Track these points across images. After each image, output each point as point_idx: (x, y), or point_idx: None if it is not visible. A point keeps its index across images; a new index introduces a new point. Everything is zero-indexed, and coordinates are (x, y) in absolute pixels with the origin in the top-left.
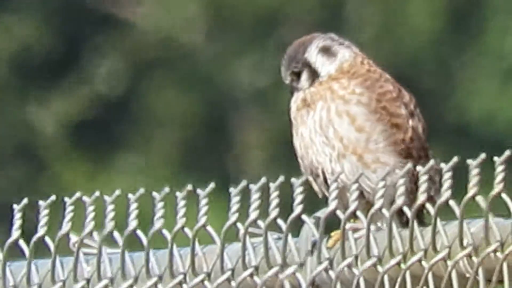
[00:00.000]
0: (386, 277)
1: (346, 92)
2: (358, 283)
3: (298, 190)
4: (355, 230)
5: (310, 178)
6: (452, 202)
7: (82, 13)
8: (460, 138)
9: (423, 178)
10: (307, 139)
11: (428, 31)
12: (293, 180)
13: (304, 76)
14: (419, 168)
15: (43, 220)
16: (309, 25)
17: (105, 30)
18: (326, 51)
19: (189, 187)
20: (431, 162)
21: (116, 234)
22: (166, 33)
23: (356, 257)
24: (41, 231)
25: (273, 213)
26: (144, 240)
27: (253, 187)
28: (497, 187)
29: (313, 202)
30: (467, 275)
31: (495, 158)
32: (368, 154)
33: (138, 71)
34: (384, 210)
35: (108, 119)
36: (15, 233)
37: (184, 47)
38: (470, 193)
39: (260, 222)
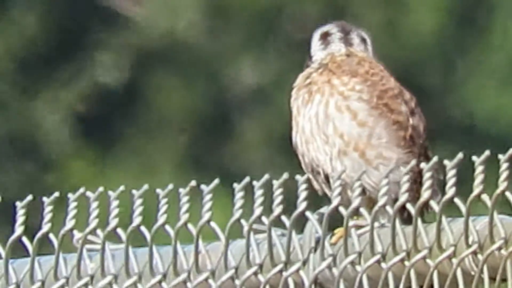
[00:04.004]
0: (390, 275)
1: (346, 88)
2: (361, 281)
3: (302, 187)
4: (358, 227)
5: (311, 176)
6: (457, 200)
7: (84, 7)
8: (464, 135)
9: (427, 175)
10: (308, 132)
11: (432, 28)
12: (297, 177)
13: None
14: (423, 165)
15: (47, 216)
16: (312, 21)
17: (108, 25)
18: (324, 37)
19: (193, 183)
20: (435, 158)
21: (119, 230)
22: (169, 28)
23: (360, 254)
24: (45, 227)
25: (277, 210)
26: (148, 237)
27: (257, 184)
28: (502, 185)
29: (317, 198)
30: (472, 272)
31: (500, 156)
32: (371, 150)
33: (141, 67)
34: (387, 207)
35: (111, 115)
36: (18, 229)
37: (186, 42)
38: (476, 190)
39: (264, 219)
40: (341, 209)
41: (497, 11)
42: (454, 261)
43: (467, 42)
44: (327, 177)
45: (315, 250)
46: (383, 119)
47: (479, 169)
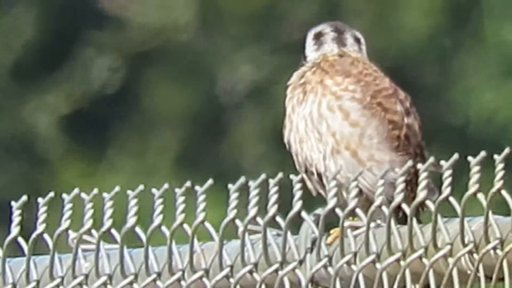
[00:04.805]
0: (385, 274)
1: (339, 88)
2: (357, 280)
3: (297, 186)
4: (354, 228)
5: (304, 176)
6: (452, 199)
7: (77, 9)
8: (457, 135)
9: (423, 175)
10: (302, 131)
11: (425, 27)
12: (292, 176)
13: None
14: (419, 165)
15: (42, 217)
16: (306, 20)
17: (101, 25)
18: (317, 37)
19: (188, 183)
20: (431, 159)
21: (114, 231)
22: (162, 28)
23: (355, 254)
24: (39, 228)
25: (272, 210)
26: (143, 237)
27: (252, 184)
28: (497, 184)
29: (312, 199)
30: (468, 272)
31: (495, 156)
32: (363, 150)
33: (134, 67)
34: (383, 207)
35: (105, 116)
36: (14, 230)
37: (179, 41)
38: (471, 190)
39: (259, 219)
40: (337, 210)
41: (491, 12)
42: (450, 260)
43: (461, 42)
44: (320, 177)
45: (311, 251)
46: (376, 119)
47: (474, 169)
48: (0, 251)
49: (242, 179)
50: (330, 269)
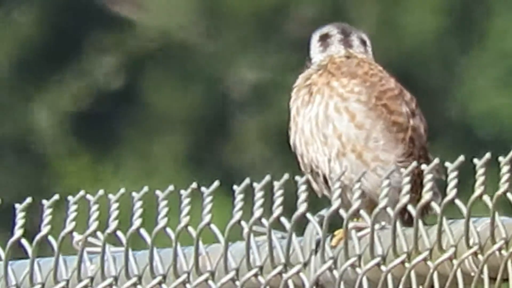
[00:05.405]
0: (390, 277)
1: (345, 90)
2: (361, 283)
3: (302, 188)
4: (358, 229)
5: (310, 177)
6: (458, 201)
7: (82, 9)
8: (462, 136)
9: (428, 177)
10: (308, 133)
11: (430, 29)
12: (297, 178)
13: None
14: (423, 166)
15: (47, 219)
16: (310, 21)
17: (106, 26)
18: (324, 39)
19: (194, 185)
20: (436, 160)
21: (119, 233)
22: (166, 29)
23: (360, 257)
24: (44, 230)
25: (277, 211)
26: (148, 239)
27: (257, 186)
28: (503, 186)
29: (317, 200)
30: (472, 273)
31: (501, 158)
32: (368, 152)
33: (138, 68)
34: (388, 209)
35: (109, 117)
36: (18, 232)
37: (184, 43)
38: (478, 191)
39: (264, 221)
40: (341, 211)
41: (495, 13)
42: (455, 262)
43: (465, 42)
44: (325, 179)
45: (316, 252)
46: (381, 121)
47: (480, 171)
48: (2, 253)
49: (247, 181)
50: (335, 271)
